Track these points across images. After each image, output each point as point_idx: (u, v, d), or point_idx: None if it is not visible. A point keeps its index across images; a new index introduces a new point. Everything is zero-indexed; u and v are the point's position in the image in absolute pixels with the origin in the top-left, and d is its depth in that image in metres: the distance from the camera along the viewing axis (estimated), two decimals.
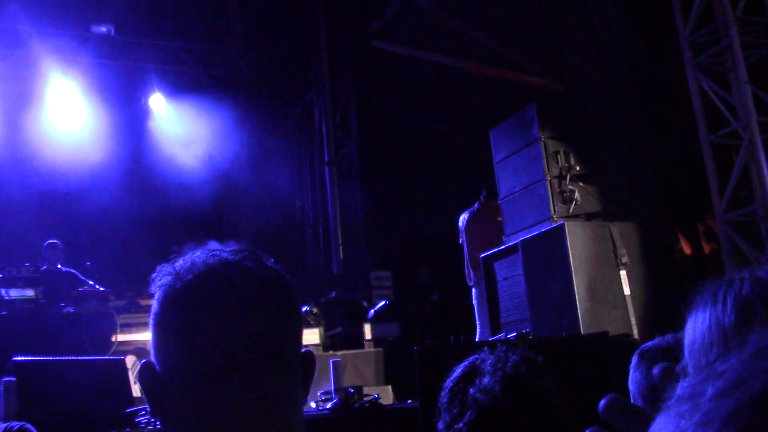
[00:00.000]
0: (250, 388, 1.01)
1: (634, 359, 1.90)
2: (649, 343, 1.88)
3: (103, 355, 7.42)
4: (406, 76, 9.83)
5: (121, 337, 8.36)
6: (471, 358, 1.97)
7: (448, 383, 1.94)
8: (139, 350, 8.29)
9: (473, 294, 7.94)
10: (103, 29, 10.13)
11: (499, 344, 2.13)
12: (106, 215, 9.96)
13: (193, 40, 10.89)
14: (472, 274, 7.94)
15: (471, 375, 1.91)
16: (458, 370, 1.95)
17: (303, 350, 1.11)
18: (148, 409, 1.06)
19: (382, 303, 8.56)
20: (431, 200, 9.32)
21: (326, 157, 10.34)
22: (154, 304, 1.06)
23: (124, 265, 9.78)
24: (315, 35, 10.69)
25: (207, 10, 10.38)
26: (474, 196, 8.55)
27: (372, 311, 8.52)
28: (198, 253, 1.09)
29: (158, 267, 1.07)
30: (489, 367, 1.90)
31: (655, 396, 1.80)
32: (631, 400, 1.89)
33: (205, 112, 10.64)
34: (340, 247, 9.76)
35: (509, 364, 1.91)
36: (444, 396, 1.91)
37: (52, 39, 9.75)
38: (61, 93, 10.12)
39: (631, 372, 1.90)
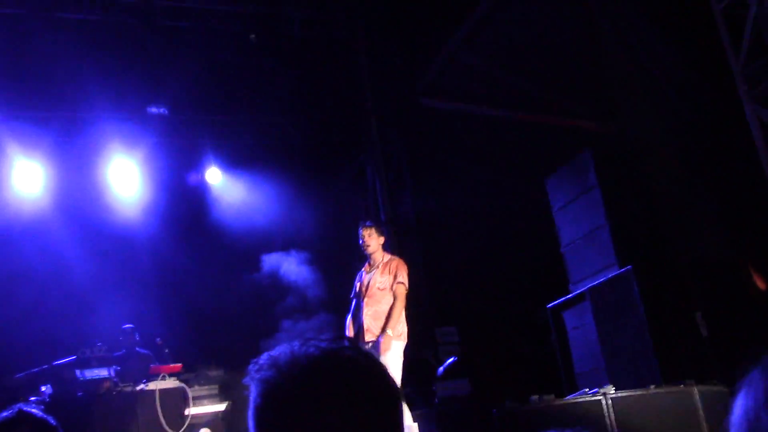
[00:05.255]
0: None
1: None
2: None
3: (179, 430, 7.47)
4: (457, 130, 9.89)
5: (193, 410, 8.40)
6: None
7: None
8: (211, 422, 8.31)
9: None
10: (159, 110, 10.47)
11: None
12: (173, 291, 10.16)
13: (244, 113, 11.16)
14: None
15: None
16: None
17: None
18: None
19: (452, 359, 8.45)
20: (492, 252, 9.25)
21: (382, 217, 10.38)
22: (256, 397, 1.08)
23: (194, 338, 9.91)
24: (362, 98, 10.85)
25: (256, 83, 10.65)
26: (534, 245, 8.46)
27: (441, 369, 8.41)
28: (295, 343, 1.11)
29: (255, 360, 1.10)
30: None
31: None
32: None
33: (261, 182, 10.85)
34: None
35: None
36: None
37: (112, 123, 10.12)
38: (122, 172, 10.45)
39: None
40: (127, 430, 6.90)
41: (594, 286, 6.55)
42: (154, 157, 10.69)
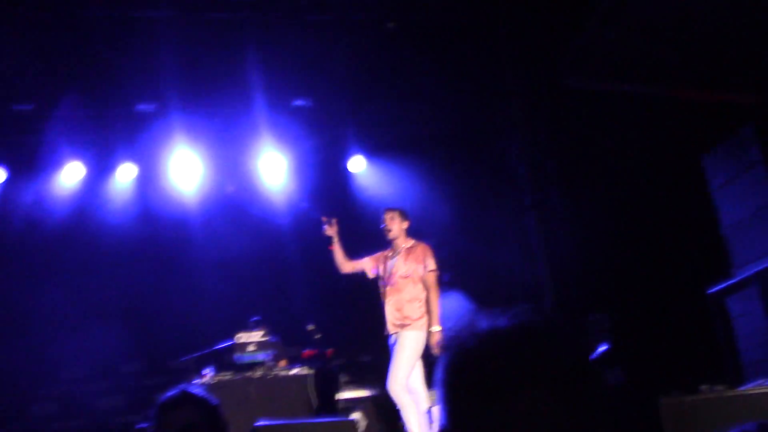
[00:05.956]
0: None
1: None
2: None
3: (330, 415, 7.70)
4: (603, 110, 9.52)
5: (344, 395, 8.64)
6: None
7: None
8: (362, 407, 8.49)
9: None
10: (303, 103, 10.78)
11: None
12: (320, 277, 10.44)
13: (386, 101, 11.26)
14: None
15: None
16: None
17: None
18: None
19: (604, 347, 8.17)
20: (645, 234, 8.85)
21: (527, 202, 10.20)
22: (451, 363, 1.08)
23: (345, 324, 10.16)
24: (503, 81, 10.68)
25: (397, 71, 10.72)
26: (690, 226, 8.01)
27: (592, 357, 8.16)
28: (498, 312, 1.09)
29: (457, 323, 1.11)
30: None
31: None
32: None
33: (402, 170, 10.97)
34: (551, 293, 9.50)
35: None
36: None
37: (259, 116, 10.52)
38: (270, 164, 10.90)
39: None
40: (281, 412, 7.17)
41: (761, 270, 6.12)
42: (300, 147, 11.05)
